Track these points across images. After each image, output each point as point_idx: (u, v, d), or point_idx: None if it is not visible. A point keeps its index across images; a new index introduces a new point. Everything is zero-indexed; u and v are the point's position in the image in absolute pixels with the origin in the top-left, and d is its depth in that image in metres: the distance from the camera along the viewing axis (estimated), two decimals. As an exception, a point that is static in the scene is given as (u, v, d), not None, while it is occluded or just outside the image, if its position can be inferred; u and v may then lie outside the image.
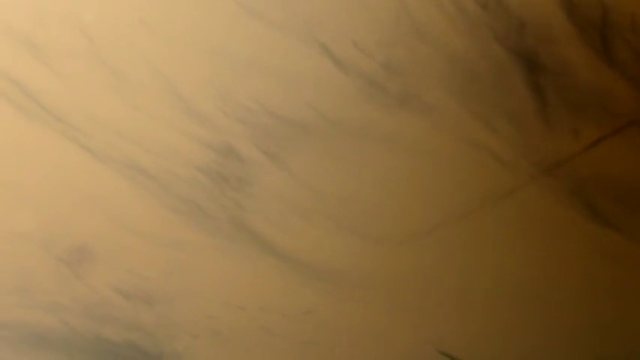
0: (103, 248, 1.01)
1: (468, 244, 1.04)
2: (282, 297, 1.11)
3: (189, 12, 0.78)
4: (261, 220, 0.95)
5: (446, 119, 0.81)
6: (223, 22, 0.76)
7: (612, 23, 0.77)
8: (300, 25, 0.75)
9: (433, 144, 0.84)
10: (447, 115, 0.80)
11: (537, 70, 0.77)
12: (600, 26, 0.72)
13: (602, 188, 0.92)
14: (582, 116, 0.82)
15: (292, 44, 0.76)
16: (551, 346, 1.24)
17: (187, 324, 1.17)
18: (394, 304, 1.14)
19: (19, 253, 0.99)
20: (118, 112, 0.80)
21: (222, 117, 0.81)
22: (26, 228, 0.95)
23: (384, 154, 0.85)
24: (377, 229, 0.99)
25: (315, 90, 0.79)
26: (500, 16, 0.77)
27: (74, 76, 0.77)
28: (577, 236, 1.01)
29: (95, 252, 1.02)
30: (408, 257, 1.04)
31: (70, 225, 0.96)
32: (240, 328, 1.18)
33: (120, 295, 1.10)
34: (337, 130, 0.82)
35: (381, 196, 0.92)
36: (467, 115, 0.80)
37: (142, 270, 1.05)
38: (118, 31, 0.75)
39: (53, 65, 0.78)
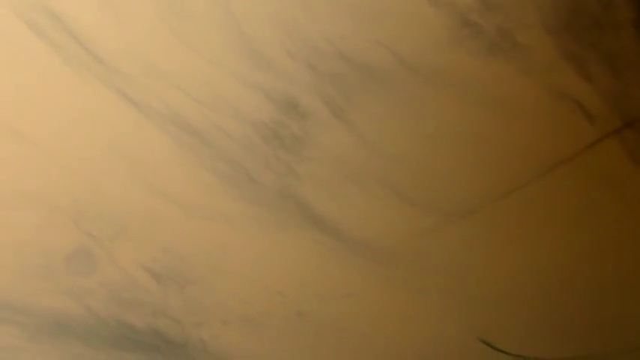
0: (137, 221, 0.86)
1: (532, 215, 0.89)
2: (323, 278, 0.97)
3: None
4: (313, 189, 0.81)
5: (538, 63, 0.67)
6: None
7: None
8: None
9: (517, 94, 0.69)
10: (539, 58, 0.66)
11: (649, 5, 0.63)
12: None
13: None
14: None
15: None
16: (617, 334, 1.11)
17: (218, 309, 1.02)
18: (443, 287, 1.00)
19: (46, 226, 0.83)
20: (168, 51, 0.65)
21: (287, 60, 0.66)
22: (54, 193, 0.79)
23: (462, 107, 0.71)
24: (441, 199, 0.85)
25: (399, 28, 0.64)
26: None
27: (120, 4, 0.62)
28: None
29: (129, 226, 0.87)
30: (470, 231, 0.89)
31: (103, 192, 0.81)
32: (275, 313, 1.04)
33: (150, 276, 0.95)
34: (414, 78, 0.68)
35: (452, 158, 0.77)
36: (561, 59, 0.66)
37: (177, 247, 0.90)
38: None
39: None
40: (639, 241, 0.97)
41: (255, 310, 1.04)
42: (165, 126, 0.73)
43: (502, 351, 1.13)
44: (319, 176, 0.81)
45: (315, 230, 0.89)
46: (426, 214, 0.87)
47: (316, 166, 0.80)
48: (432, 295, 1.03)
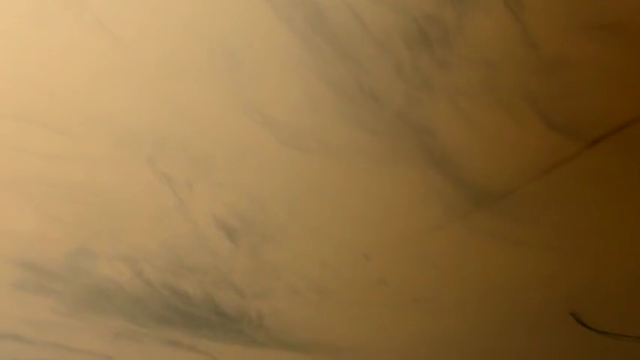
0: (223, 156, 0.65)
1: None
2: (419, 235, 0.79)
3: None
4: (444, 107, 0.65)
5: None
6: None
7: None
8: None
9: None
10: None
11: None
12: None
13: None
14: None
15: None
16: None
17: (291, 273, 0.85)
18: (550, 245, 0.80)
19: (113, 162, 0.60)
20: None
21: None
22: (131, 118, 0.57)
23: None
24: (593, 122, 0.63)
25: None
26: None
27: None
28: None
29: (213, 164, 0.65)
30: (612, 162, 0.68)
31: (188, 115, 0.59)
32: (354, 280, 0.87)
33: (224, 232, 0.75)
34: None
35: (628, 58, 0.56)
36: None
37: (261, 191, 0.70)
38: None
39: None
40: None
41: (331, 276, 0.83)
42: (283, 9, 0.50)
43: (589, 327, 0.92)
44: (457, 87, 0.61)
45: (429, 166, 0.68)
46: (569, 142, 0.66)
47: (458, 75, 0.60)
48: (537, 255, 0.82)
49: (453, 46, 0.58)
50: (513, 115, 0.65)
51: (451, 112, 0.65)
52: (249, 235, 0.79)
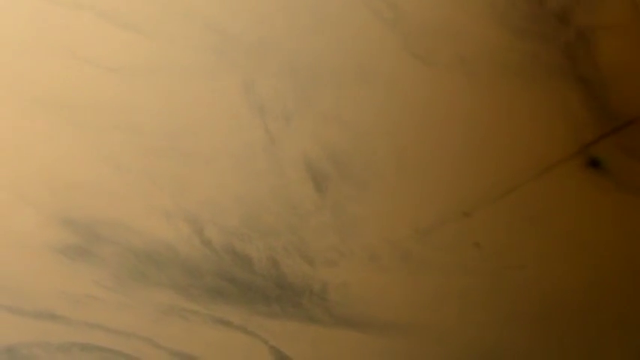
0: (333, 74, 0.49)
1: None
2: (535, 180, 0.65)
3: None
4: (616, 6, 0.51)
5: None
6: None
7: None
8: None
9: None
10: None
11: None
12: None
13: None
14: None
15: None
16: None
17: (375, 236, 0.70)
18: None
19: (197, 79, 0.45)
20: None
21: None
22: (229, 25, 0.41)
23: None
24: None
25: None
26: None
27: None
28: None
29: (321, 83, 0.49)
30: None
31: (299, 19, 0.44)
32: (444, 244, 0.72)
33: (312, 179, 0.65)
34: None
35: None
36: None
37: (371, 125, 0.60)
38: None
39: None
40: None
41: (419, 239, 0.69)
42: None
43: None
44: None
45: (572, 83, 0.54)
46: None
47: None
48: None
49: None
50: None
51: (621, 12, 0.50)
52: (339, 183, 0.64)
